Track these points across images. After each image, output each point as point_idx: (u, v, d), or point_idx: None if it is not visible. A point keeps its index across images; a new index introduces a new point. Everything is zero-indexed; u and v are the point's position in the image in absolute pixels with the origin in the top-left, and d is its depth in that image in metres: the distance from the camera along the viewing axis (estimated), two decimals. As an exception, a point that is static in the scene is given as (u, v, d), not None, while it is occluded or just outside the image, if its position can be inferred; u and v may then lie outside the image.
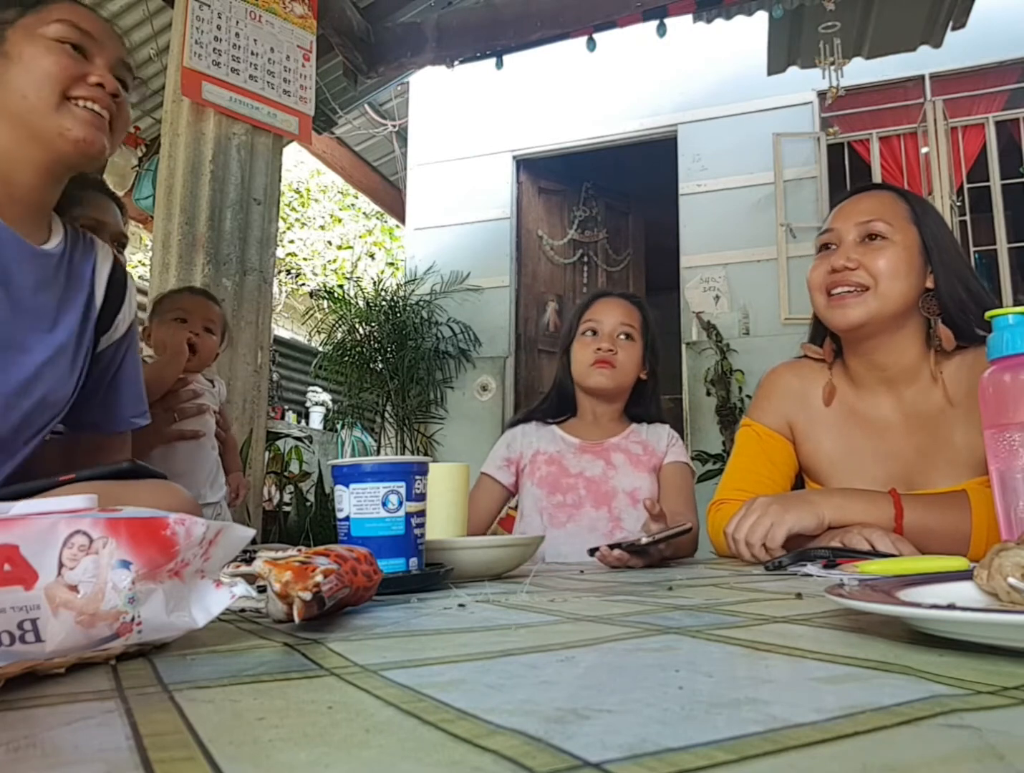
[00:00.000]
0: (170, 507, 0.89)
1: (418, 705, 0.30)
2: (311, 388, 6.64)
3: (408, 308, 5.41)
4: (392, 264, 9.56)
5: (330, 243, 10.72)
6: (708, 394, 4.81)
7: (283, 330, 9.29)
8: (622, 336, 1.54)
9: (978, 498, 0.96)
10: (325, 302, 5.64)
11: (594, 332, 1.55)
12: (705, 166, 5.10)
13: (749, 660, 0.39)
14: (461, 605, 0.63)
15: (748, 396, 4.56)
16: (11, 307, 0.96)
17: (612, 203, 6.20)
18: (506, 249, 5.59)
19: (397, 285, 5.68)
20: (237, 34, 2.64)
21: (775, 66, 4.15)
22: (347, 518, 0.78)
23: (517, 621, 0.54)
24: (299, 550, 0.56)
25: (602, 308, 1.58)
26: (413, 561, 0.78)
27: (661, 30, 3.65)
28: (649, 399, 1.61)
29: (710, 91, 5.15)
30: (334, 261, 10.65)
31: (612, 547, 1.06)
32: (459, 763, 0.23)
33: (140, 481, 0.97)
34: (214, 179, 2.52)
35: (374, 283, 5.68)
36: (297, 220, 10.63)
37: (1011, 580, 0.43)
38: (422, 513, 0.80)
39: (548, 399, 1.66)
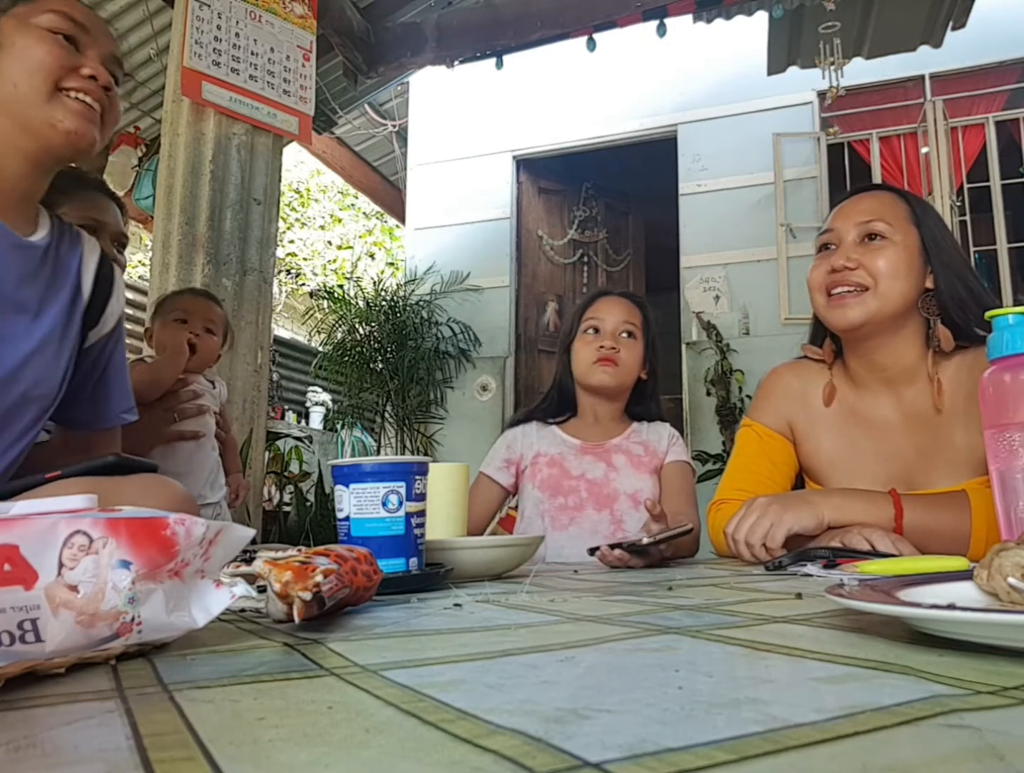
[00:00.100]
0: (162, 500, 0.90)
1: (418, 705, 0.30)
2: (311, 388, 6.64)
3: (408, 308, 5.41)
4: (392, 264, 9.56)
5: (330, 243, 10.72)
6: (708, 394, 4.81)
7: (283, 330, 9.29)
8: (624, 334, 1.54)
9: (978, 498, 0.96)
10: (325, 302, 5.64)
11: (596, 330, 1.54)
12: (705, 166, 5.10)
13: (749, 660, 0.38)
14: (457, 605, 0.63)
15: (748, 396, 4.56)
16: None
17: (612, 203, 6.20)
18: (506, 249, 5.59)
19: (397, 285, 5.68)
20: (237, 34, 2.64)
21: (775, 66, 4.15)
22: (347, 518, 0.78)
23: (517, 621, 0.54)
24: (299, 550, 0.56)
25: (604, 306, 1.58)
26: (413, 561, 0.78)
27: (661, 30, 3.65)
28: (649, 398, 1.61)
29: (710, 91, 5.15)
30: (334, 261, 10.65)
31: (612, 547, 1.06)
32: (459, 763, 0.23)
33: (131, 476, 0.97)
34: (214, 179, 2.52)
35: (374, 283, 5.68)
36: (297, 220, 10.63)
37: (1011, 580, 0.43)
38: (422, 513, 0.80)
39: (548, 398, 1.65)
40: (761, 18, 3.76)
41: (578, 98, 5.50)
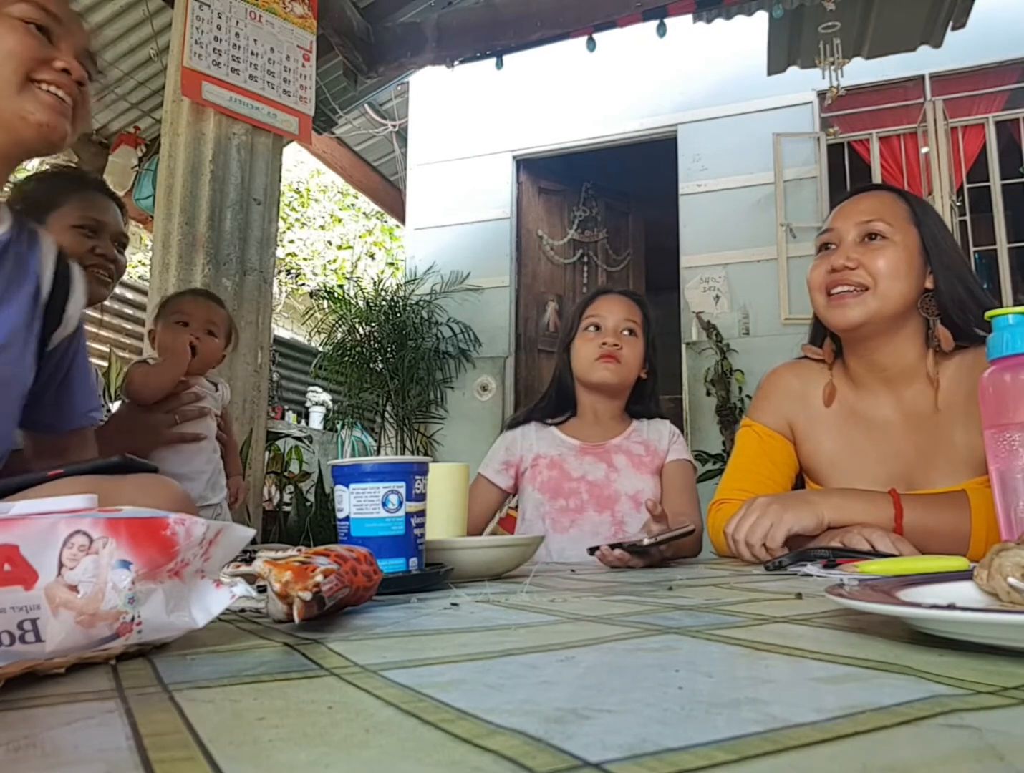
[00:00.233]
0: (161, 500, 0.89)
1: (418, 705, 0.30)
2: (311, 388, 6.64)
3: (408, 308, 5.41)
4: (392, 264, 9.56)
5: (330, 243, 10.72)
6: (708, 394, 4.81)
7: (283, 330, 9.29)
8: (626, 332, 1.53)
9: (978, 498, 0.96)
10: (325, 302, 5.64)
11: (597, 327, 1.54)
12: (705, 166, 5.10)
13: (749, 660, 0.38)
14: (454, 604, 0.63)
15: (748, 396, 4.56)
16: None
17: (612, 203, 6.20)
18: (506, 249, 5.59)
19: (397, 285, 5.68)
20: (237, 34, 2.64)
21: (775, 66, 4.14)
22: (347, 518, 0.78)
23: (517, 621, 0.54)
24: (299, 550, 0.56)
25: (605, 304, 1.57)
26: (413, 561, 0.78)
27: (661, 30, 3.65)
28: (649, 397, 1.61)
29: (710, 91, 5.15)
30: (334, 261, 10.65)
31: (613, 547, 1.06)
32: (459, 763, 0.23)
33: (130, 476, 0.96)
34: (214, 179, 2.52)
35: (374, 283, 5.68)
36: (297, 220, 10.63)
37: (1011, 580, 0.43)
38: (422, 513, 0.80)
39: (547, 397, 1.64)
40: (761, 18, 3.76)
41: (578, 98, 5.50)
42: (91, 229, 1.53)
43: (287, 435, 4.83)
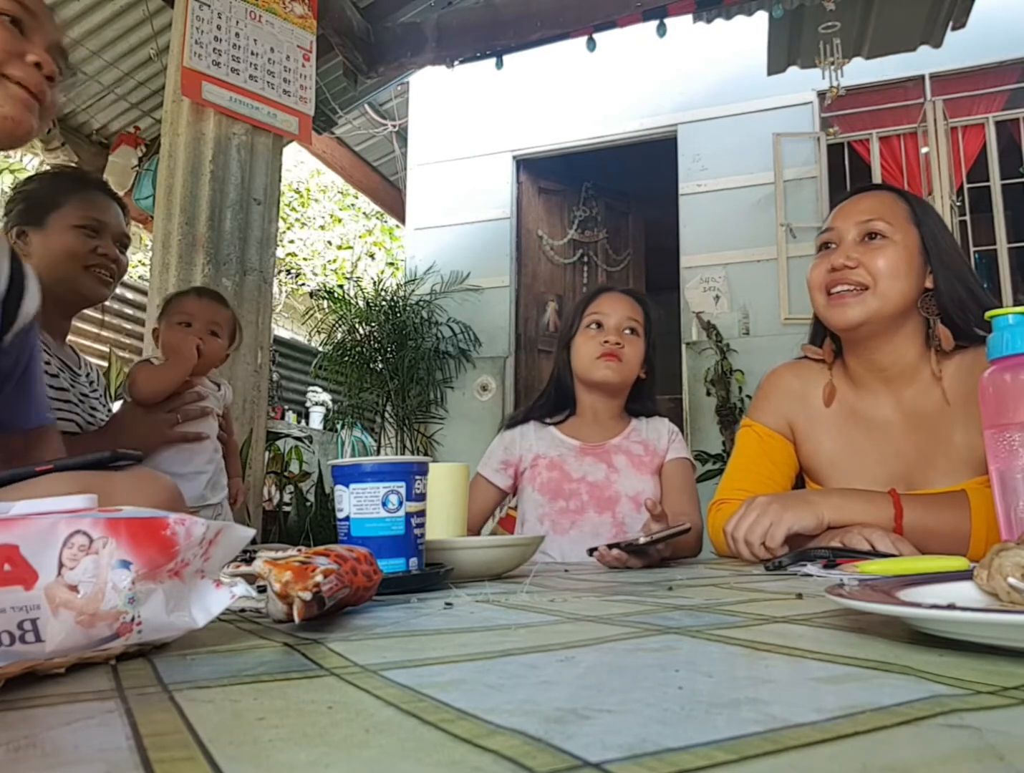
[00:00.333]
0: (152, 493, 0.89)
1: (418, 705, 0.30)
2: (311, 388, 6.64)
3: (408, 308, 5.41)
4: (392, 264, 9.56)
5: (330, 243, 10.72)
6: (708, 394, 4.81)
7: (283, 330, 9.29)
8: (627, 331, 1.52)
9: (978, 498, 0.96)
10: (325, 302, 5.64)
11: (599, 325, 1.53)
12: (705, 166, 5.10)
13: (749, 660, 0.38)
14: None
15: (748, 396, 4.56)
16: None
17: (612, 203, 6.20)
18: (506, 249, 5.59)
19: (397, 285, 5.68)
20: (237, 34, 2.64)
21: (775, 66, 4.15)
22: (347, 518, 0.78)
23: (517, 621, 0.54)
24: (299, 550, 0.56)
25: (608, 302, 1.56)
26: (413, 561, 0.78)
27: (661, 30, 3.65)
28: (647, 397, 1.61)
29: (710, 91, 5.15)
30: (334, 261, 10.65)
31: (610, 547, 1.06)
32: (459, 763, 0.23)
33: (120, 472, 0.96)
34: (214, 179, 2.52)
35: (374, 283, 5.68)
36: (297, 220, 10.63)
37: (1011, 580, 0.43)
38: (422, 513, 0.80)
39: (545, 396, 1.63)
40: (761, 18, 3.76)
41: (578, 98, 5.50)
42: (92, 229, 1.53)
43: (287, 435, 4.83)
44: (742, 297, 4.88)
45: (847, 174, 4.65)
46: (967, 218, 4.38)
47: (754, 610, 0.56)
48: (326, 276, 10.22)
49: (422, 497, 0.80)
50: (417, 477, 0.80)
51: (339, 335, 5.43)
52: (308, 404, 6.56)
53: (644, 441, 1.55)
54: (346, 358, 5.36)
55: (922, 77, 4.68)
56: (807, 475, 1.27)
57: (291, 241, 10.38)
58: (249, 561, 0.52)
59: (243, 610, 0.60)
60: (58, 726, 0.29)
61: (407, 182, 5.98)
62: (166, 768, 0.24)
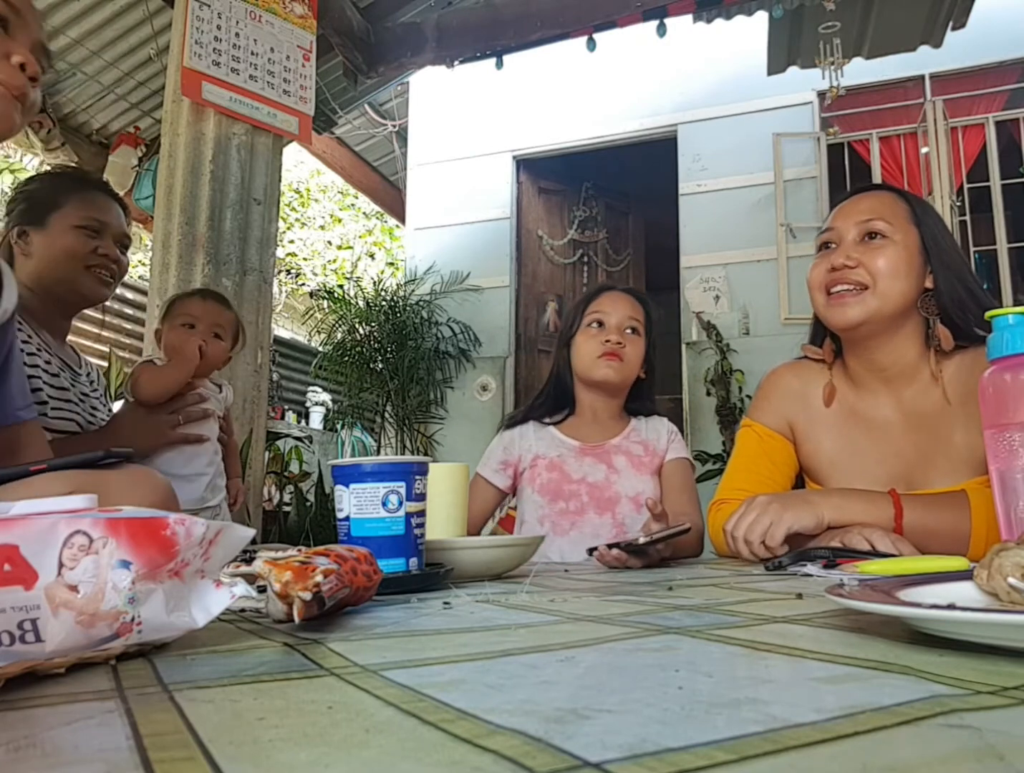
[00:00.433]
0: (147, 490, 0.88)
1: (418, 705, 0.30)
2: (311, 388, 6.64)
3: (408, 308, 5.41)
4: (392, 264, 9.56)
5: (330, 243, 10.72)
6: (708, 394, 4.81)
7: (283, 330, 9.29)
8: (629, 330, 1.52)
9: (978, 498, 0.97)
10: (325, 302, 5.64)
11: (600, 324, 1.52)
12: (705, 166, 5.10)
13: (749, 660, 0.38)
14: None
15: (748, 396, 4.56)
16: None
17: (612, 203, 6.20)
18: (506, 249, 5.60)
19: (397, 285, 5.68)
20: (237, 34, 2.64)
21: (775, 66, 4.15)
22: (347, 518, 0.78)
23: (517, 621, 0.54)
24: (299, 550, 0.56)
25: (609, 301, 1.55)
26: (413, 561, 0.78)
27: (661, 30, 3.65)
28: (646, 396, 1.60)
29: (710, 91, 5.15)
30: (334, 261, 10.65)
31: (610, 547, 1.05)
32: (459, 763, 0.23)
33: (114, 470, 0.95)
34: (214, 179, 2.52)
35: (374, 283, 5.68)
36: (297, 220, 10.63)
37: (1011, 580, 0.43)
38: (422, 513, 0.80)
39: (544, 395, 1.62)
40: (761, 18, 3.76)
41: (578, 98, 5.50)
42: (93, 229, 1.52)
43: (287, 435, 4.83)
44: (742, 297, 4.88)
45: (847, 174, 4.65)
46: (967, 218, 4.38)
47: (754, 610, 0.56)
48: (326, 276, 10.22)
49: (422, 497, 0.80)
50: (417, 477, 0.80)
51: (339, 335, 5.43)
52: (308, 404, 6.56)
53: (644, 441, 1.55)
54: (346, 358, 5.36)
55: (922, 77, 4.68)
56: (807, 475, 1.27)
57: (291, 241, 10.38)
58: (249, 561, 0.52)
59: (243, 610, 0.60)
60: (58, 726, 0.29)
61: (407, 182, 5.98)
62: (166, 768, 0.24)
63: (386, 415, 5.43)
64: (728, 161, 5.02)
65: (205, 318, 1.68)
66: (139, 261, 7.82)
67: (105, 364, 3.66)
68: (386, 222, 10.28)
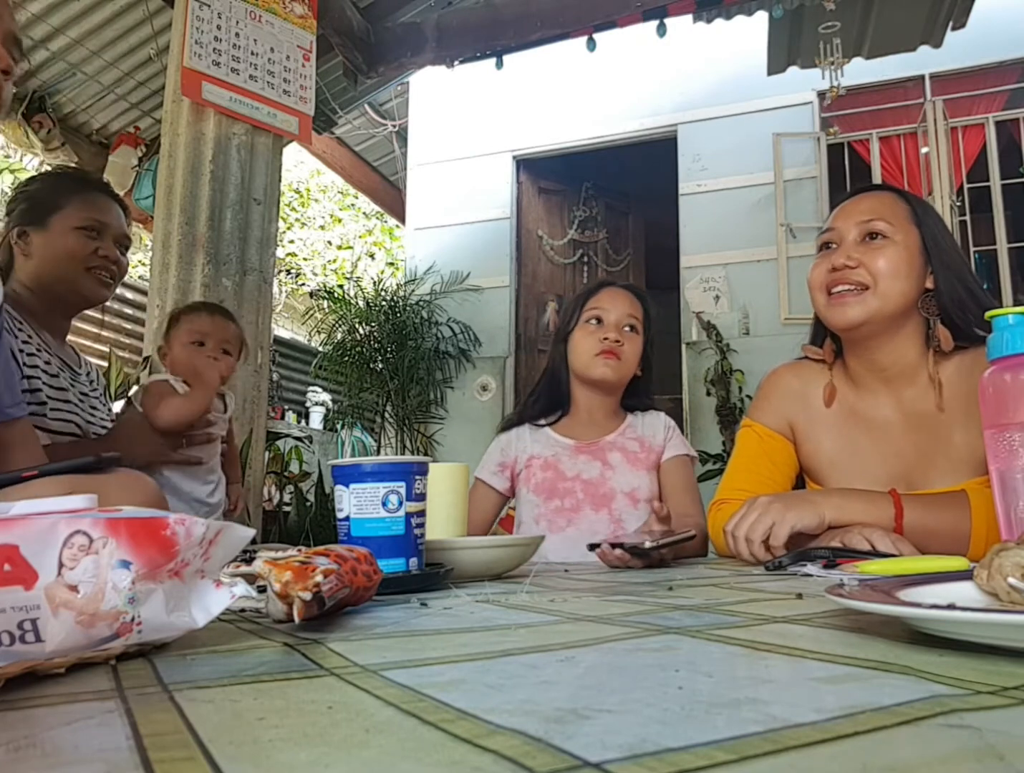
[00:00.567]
0: (138, 495, 0.88)
1: (418, 705, 0.30)
2: (311, 388, 6.64)
3: (408, 308, 5.41)
4: (392, 264, 9.56)
5: (330, 243, 10.72)
6: (708, 394, 4.81)
7: (283, 330, 9.29)
8: (627, 328, 1.50)
9: (978, 498, 0.97)
10: (325, 302, 5.64)
11: (599, 321, 1.50)
12: (705, 166, 5.10)
13: (749, 660, 0.38)
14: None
15: (748, 396, 4.56)
16: None
17: (612, 203, 6.20)
18: (506, 249, 5.60)
19: (397, 285, 5.68)
20: (237, 34, 2.64)
21: (775, 66, 4.15)
22: (347, 518, 0.78)
23: (517, 621, 0.54)
24: (299, 550, 0.56)
25: (608, 297, 1.53)
26: (413, 561, 0.78)
27: (661, 30, 3.65)
28: (643, 392, 1.59)
29: (710, 91, 5.15)
30: (334, 261, 10.65)
31: (613, 546, 1.05)
32: (459, 763, 0.23)
33: (105, 475, 0.95)
34: (214, 179, 2.52)
35: (374, 283, 5.68)
36: (297, 220, 10.63)
37: (1011, 580, 0.43)
38: (422, 513, 0.80)
39: (537, 393, 1.61)
40: (761, 18, 3.76)
41: (578, 98, 5.51)
42: (94, 230, 1.52)
43: (287, 435, 4.82)
44: (742, 297, 4.88)
45: (847, 174, 4.65)
46: (967, 218, 4.39)
47: (754, 610, 0.56)
48: (326, 276, 10.22)
49: (422, 497, 0.80)
50: (417, 477, 0.80)
51: (339, 335, 5.44)
52: (308, 404, 6.56)
53: (640, 437, 1.54)
54: (346, 358, 5.37)
55: (922, 77, 4.68)
56: (807, 475, 1.27)
57: (291, 241, 10.39)
58: (249, 561, 0.52)
59: (243, 610, 0.60)
60: (58, 726, 0.29)
61: (407, 182, 5.98)
62: (166, 768, 0.24)
63: (386, 415, 5.43)
64: (728, 161, 5.02)
65: (215, 335, 1.67)
66: (139, 261, 7.82)
67: (105, 364, 3.66)
68: (386, 222, 10.29)
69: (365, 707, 0.30)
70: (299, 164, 9.91)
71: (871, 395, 1.21)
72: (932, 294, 1.14)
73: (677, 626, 0.49)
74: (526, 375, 5.54)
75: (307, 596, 0.47)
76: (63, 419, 1.44)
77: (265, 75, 2.69)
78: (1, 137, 4.07)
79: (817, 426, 1.24)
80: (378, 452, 5.49)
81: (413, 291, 5.54)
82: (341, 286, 6.51)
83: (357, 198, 10.14)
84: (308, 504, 3.46)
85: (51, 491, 0.82)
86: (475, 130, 5.75)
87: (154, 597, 0.41)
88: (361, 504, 0.77)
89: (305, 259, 10.57)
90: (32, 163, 5.09)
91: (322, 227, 10.79)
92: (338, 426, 5.93)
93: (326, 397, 6.57)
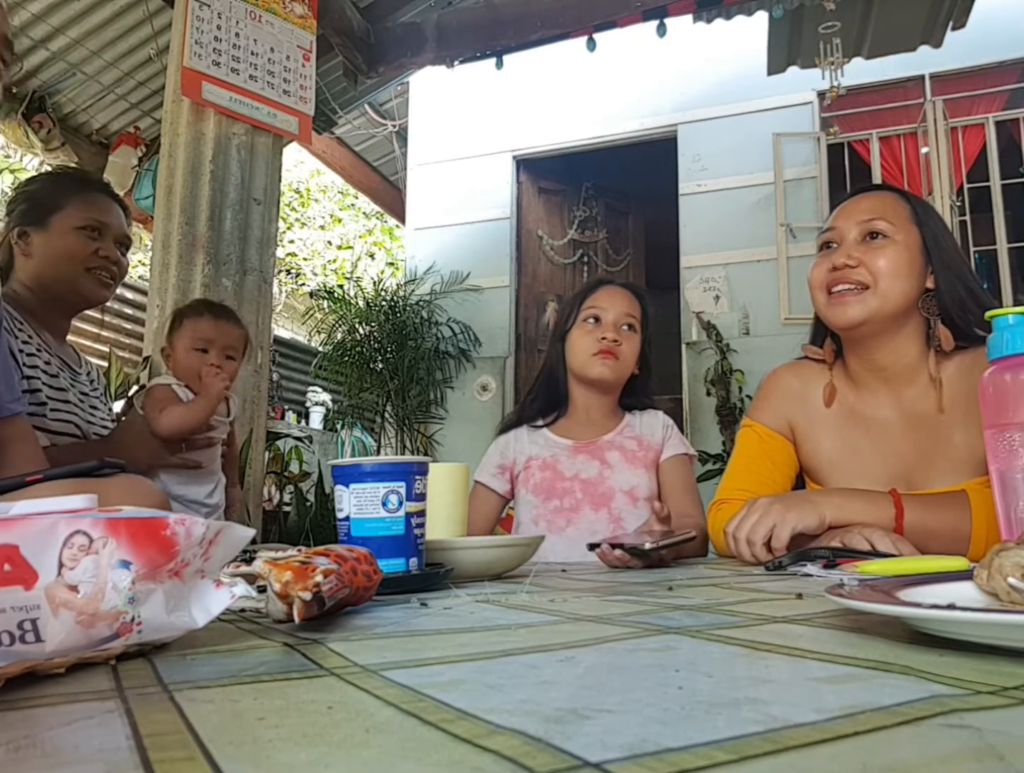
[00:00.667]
0: (139, 500, 0.88)
1: (418, 705, 0.30)
2: (311, 388, 6.64)
3: (408, 308, 5.41)
4: (392, 264, 9.57)
5: (330, 243, 10.72)
6: (708, 394, 4.81)
7: (283, 330, 9.29)
8: (625, 327, 1.50)
9: (978, 498, 0.97)
10: (325, 302, 5.64)
11: (596, 319, 1.50)
12: (705, 166, 5.10)
13: (749, 660, 0.38)
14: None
15: (748, 396, 4.56)
16: None
17: (612, 203, 6.20)
18: (506, 249, 5.60)
19: (397, 285, 5.68)
20: (237, 34, 2.64)
21: (775, 66, 4.15)
22: (347, 518, 0.78)
23: (517, 621, 0.54)
24: (299, 550, 0.56)
25: (606, 296, 1.53)
26: (413, 561, 0.78)
27: (661, 30, 3.65)
28: (641, 391, 1.59)
29: (710, 91, 5.15)
30: (334, 261, 10.65)
31: (613, 547, 1.05)
32: (459, 763, 0.23)
33: (108, 479, 0.96)
34: (214, 179, 2.52)
35: (374, 283, 5.68)
36: (297, 220, 10.63)
37: (1011, 580, 0.43)
38: (422, 513, 0.80)
39: (535, 393, 1.61)
40: (761, 18, 3.75)
41: (578, 98, 5.51)
42: (94, 231, 1.52)
43: (287, 435, 4.82)
44: (742, 297, 4.88)
45: (847, 174, 4.65)
46: (967, 218, 4.39)
47: (754, 610, 0.56)
48: (326, 276, 10.22)
49: (422, 497, 0.80)
50: (417, 477, 0.80)
51: (339, 335, 5.44)
52: (308, 404, 6.56)
53: (638, 436, 1.54)
54: (346, 358, 5.37)
55: (922, 77, 4.68)
56: (807, 475, 1.27)
57: (291, 241, 10.39)
58: (249, 561, 0.52)
59: (243, 610, 0.60)
60: (58, 726, 0.29)
61: (407, 182, 5.98)
62: (166, 768, 0.24)
63: (386, 415, 5.43)
64: (728, 161, 5.02)
65: (220, 340, 1.65)
66: (139, 261, 7.82)
67: (105, 364, 3.66)
68: (386, 222, 10.29)
69: (365, 707, 0.30)
70: (299, 164, 9.92)
71: (871, 395, 1.21)
72: (932, 294, 1.14)
73: (677, 626, 0.49)
74: (526, 375, 5.54)
75: (307, 596, 0.47)
76: (63, 419, 1.44)
77: (265, 75, 2.69)
78: (1, 137, 4.06)
79: (817, 426, 1.24)
80: (378, 452, 5.49)
81: (413, 291, 5.54)
82: (341, 286, 6.51)
83: (357, 198, 10.14)
84: (308, 504, 3.46)
85: (53, 494, 0.82)
86: (475, 130, 5.75)
87: (154, 597, 0.41)
88: (361, 504, 0.77)
89: (305, 259, 10.57)
90: (32, 163, 5.09)
91: (322, 227, 10.79)
92: (338, 426, 5.93)
93: (326, 397, 6.57)
